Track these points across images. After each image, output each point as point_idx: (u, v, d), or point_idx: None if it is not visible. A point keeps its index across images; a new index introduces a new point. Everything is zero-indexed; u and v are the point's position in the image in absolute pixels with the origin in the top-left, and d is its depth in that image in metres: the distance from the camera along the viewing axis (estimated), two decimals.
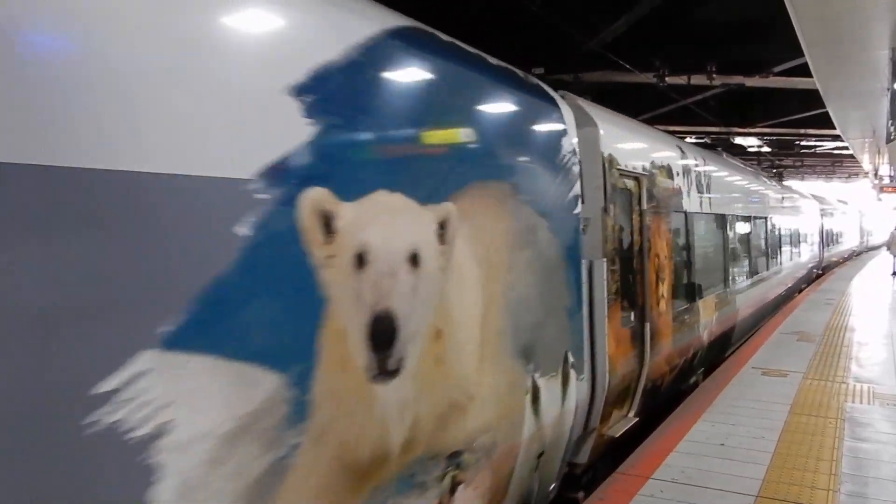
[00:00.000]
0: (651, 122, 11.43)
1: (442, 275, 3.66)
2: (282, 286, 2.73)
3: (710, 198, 9.93)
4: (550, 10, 8.35)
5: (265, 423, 2.63)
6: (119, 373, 2.14)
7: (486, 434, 4.11)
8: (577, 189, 5.42)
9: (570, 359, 5.25)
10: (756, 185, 14.37)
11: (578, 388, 5.39)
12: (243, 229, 2.55)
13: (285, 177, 2.74)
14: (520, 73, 5.14)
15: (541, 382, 4.75)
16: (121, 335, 2.16)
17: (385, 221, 3.27)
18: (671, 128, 13.90)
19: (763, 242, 14.44)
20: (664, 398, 7.97)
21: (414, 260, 3.40)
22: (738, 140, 19.41)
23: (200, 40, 2.50)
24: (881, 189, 21.99)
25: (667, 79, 11.63)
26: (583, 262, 5.54)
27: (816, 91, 11.04)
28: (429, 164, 3.72)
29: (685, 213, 8.62)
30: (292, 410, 2.74)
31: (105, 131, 2.14)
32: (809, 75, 9.93)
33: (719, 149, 15.10)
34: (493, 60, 4.74)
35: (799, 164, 29.60)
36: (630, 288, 6.73)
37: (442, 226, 3.68)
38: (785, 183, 23.16)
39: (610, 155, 6.16)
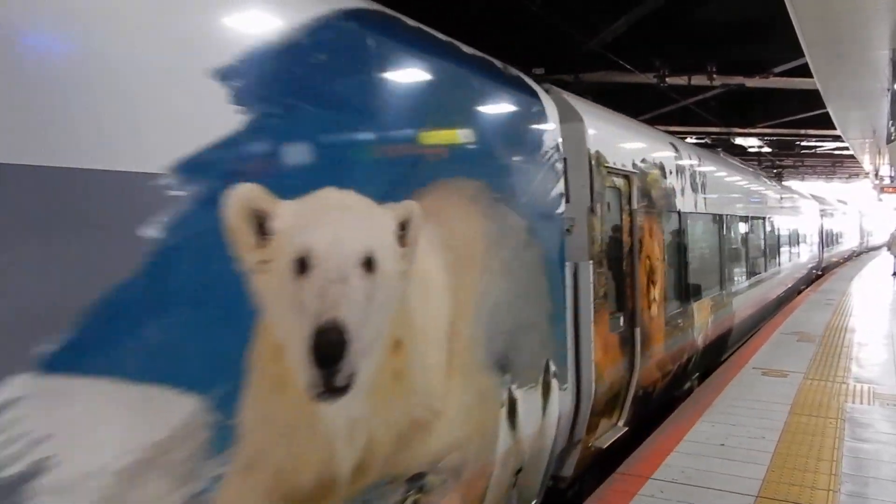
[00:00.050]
0: (651, 122, 11.42)
1: (402, 280, 3.35)
2: (199, 296, 2.40)
3: (705, 197, 9.69)
4: (550, 10, 8.34)
5: (178, 453, 2.31)
6: None
7: (454, 453, 3.81)
8: (560, 187, 5.17)
9: (552, 367, 4.98)
10: (754, 184, 14.21)
11: (561, 399, 5.13)
12: (150, 230, 2.24)
13: (206, 171, 2.42)
14: (498, 63, 4.85)
15: (518, 394, 4.48)
16: None
17: (333, 222, 2.96)
18: (671, 128, 13.89)
19: (761, 243, 14.26)
20: (657, 405, 7.74)
21: (368, 264, 3.09)
22: (739, 140, 19.39)
23: (99, 12, 2.17)
24: (881, 189, 21.97)
25: (667, 79, 11.62)
26: (567, 264, 5.28)
27: (817, 91, 11.03)
28: (387, 159, 3.40)
29: (679, 212, 8.35)
30: (213, 437, 2.42)
31: None
32: (810, 76, 9.92)
33: (719, 149, 15.08)
34: (467, 49, 4.45)
35: (799, 164, 29.60)
36: (619, 291, 6.47)
37: (402, 226, 3.37)
38: (784, 183, 23.12)
39: (597, 152, 5.90)
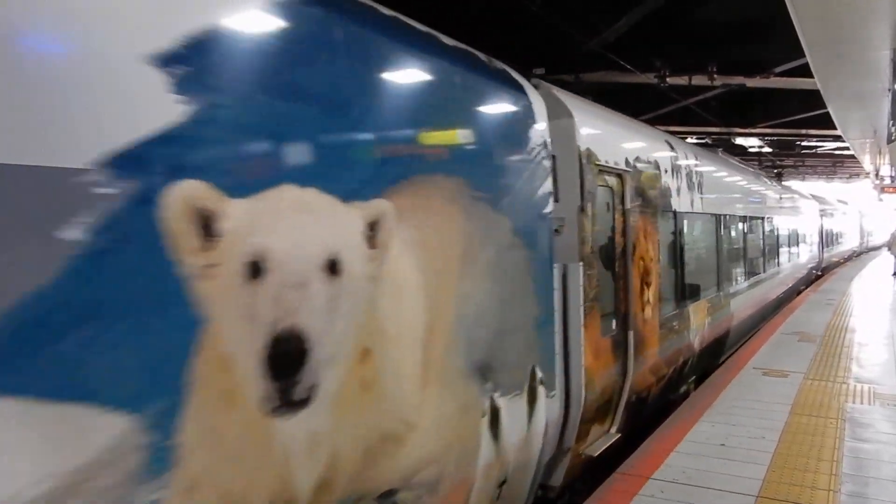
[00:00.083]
0: (652, 122, 11.43)
1: (372, 284, 3.15)
2: (129, 304, 2.19)
3: (702, 197, 9.50)
4: (551, 10, 8.35)
5: (104, 478, 2.10)
6: None
7: (429, 467, 3.60)
8: (548, 186, 4.96)
9: (539, 374, 4.79)
10: (753, 184, 14.05)
11: (549, 406, 4.94)
12: (72, 232, 2.04)
13: (140, 167, 2.20)
14: (481, 56, 4.63)
15: (501, 403, 4.28)
16: None
17: (292, 222, 2.74)
18: (672, 128, 13.89)
19: (760, 243, 14.10)
20: (651, 411, 7.55)
21: (332, 268, 2.89)
22: (739, 140, 19.40)
23: None
24: (882, 189, 21.96)
25: (668, 79, 11.63)
26: (555, 266, 5.07)
27: (817, 91, 11.03)
28: (355, 154, 3.16)
29: (674, 212, 8.16)
30: (148, 459, 2.22)
31: None
32: (810, 76, 9.92)
33: (719, 149, 15.07)
34: (448, 41, 4.24)
35: (800, 164, 29.61)
36: (611, 293, 6.27)
37: (372, 227, 3.16)
38: (784, 183, 23.09)
39: (588, 149, 5.67)
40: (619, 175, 6.47)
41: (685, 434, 6.33)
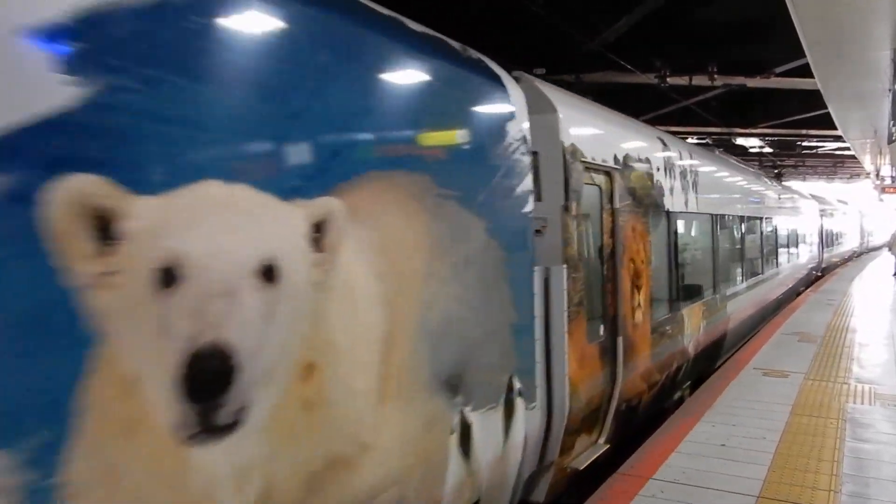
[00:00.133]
0: (652, 122, 11.44)
1: (318, 292, 2.83)
2: (2, 319, 1.89)
3: (697, 196, 9.12)
4: (551, 11, 8.35)
5: None
6: None
7: (388, 490, 3.29)
8: (527, 184, 4.65)
9: (517, 385, 4.48)
10: (751, 183, 13.76)
11: (529, 419, 4.63)
12: None
13: (14, 159, 1.91)
14: (454, 44, 4.30)
15: (473, 417, 3.95)
16: None
17: (215, 223, 2.41)
18: (672, 128, 13.90)
19: (758, 244, 13.81)
20: (643, 419, 7.22)
21: (267, 274, 2.56)
22: (740, 141, 19.42)
23: None
24: (883, 190, 21.96)
25: (668, 79, 11.65)
26: (536, 269, 4.78)
27: (818, 91, 11.05)
28: (297, 146, 2.82)
29: (667, 212, 7.79)
30: (24, 501, 1.92)
31: None
32: (811, 76, 9.94)
33: (719, 150, 15.07)
34: (415, 26, 3.92)
35: (800, 164, 29.63)
36: (599, 297, 5.94)
37: (318, 228, 2.84)
38: (784, 182, 23.05)
39: (573, 145, 5.35)
40: (608, 173, 6.16)
41: (685, 434, 6.33)
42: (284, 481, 2.71)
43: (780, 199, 17.17)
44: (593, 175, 5.83)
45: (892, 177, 21.74)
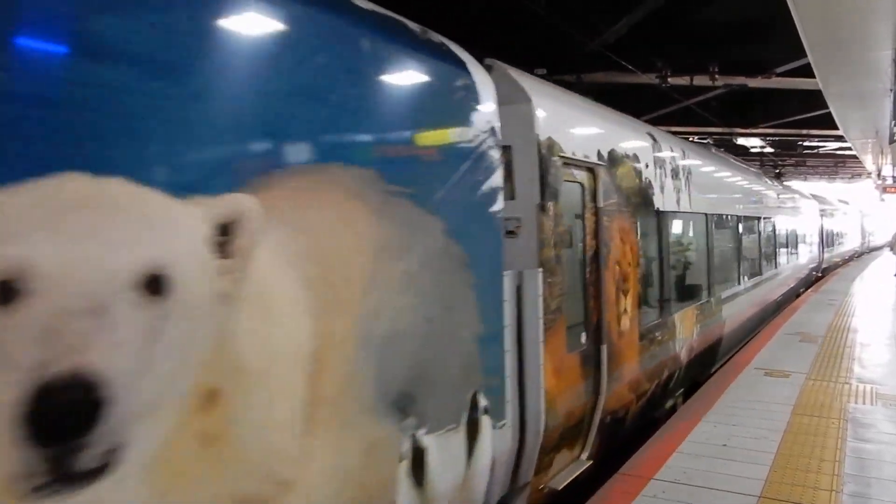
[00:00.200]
0: (653, 122, 11.41)
1: (225, 305, 2.42)
2: None
3: (690, 195, 8.70)
4: (552, 11, 8.35)
5: None
6: None
7: None
8: (496, 180, 4.25)
9: (482, 402, 4.06)
10: (749, 182, 13.46)
11: (497, 438, 4.21)
12: None
13: None
14: (413, 26, 3.88)
15: (427, 441, 3.54)
16: None
17: (77, 225, 2.01)
18: (673, 128, 13.89)
19: (756, 245, 13.49)
20: (631, 430, 6.85)
21: (152, 286, 2.15)
22: (741, 141, 19.41)
23: None
24: (884, 190, 21.96)
25: (669, 79, 11.65)
26: (506, 274, 4.37)
27: (818, 92, 11.05)
28: (196, 134, 2.40)
29: (657, 211, 7.41)
30: None
31: None
32: (812, 76, 9.94)
33: (721, 150, 15.05)
34: (363, 4, 3.51)
35: (801, 164, 29.62)
36: (580, 303, 5.55)
37: (224, 230, 2.42)
38: (784, 182, 23.01)
39: (550, 139, 4.96)
40: (591, 169, 5.75)
41: (687, 434, 6.32)
42: None
43: (779, 198, 16.97)
44: (574, 171, 5.44)
45: (893, 177, 21.74)
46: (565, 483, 5.22)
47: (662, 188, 7.60)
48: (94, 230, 2.06)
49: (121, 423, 2.05)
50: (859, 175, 33.42)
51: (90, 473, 2.00)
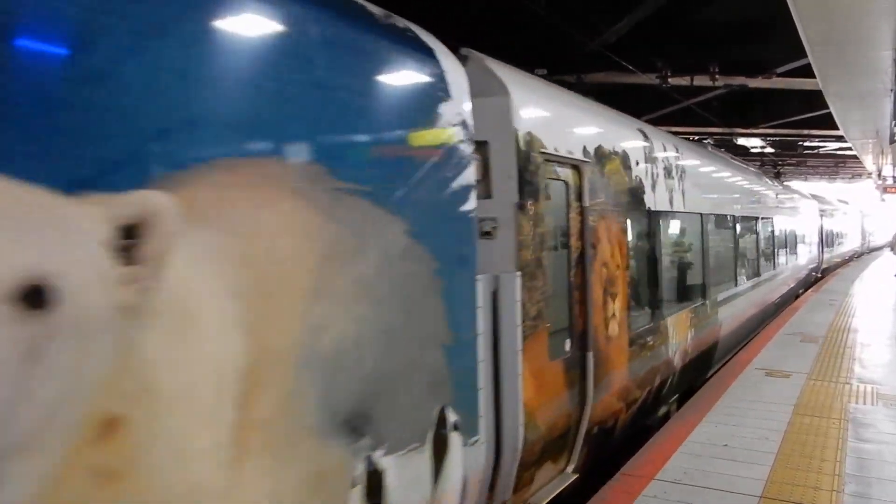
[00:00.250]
0: (654, 123, 11.43)
1: (130, 319, 2.12)
2: None
3: (684, 194, 8.36)
4: (552, 11, 8.35)
5: None
6: None
7: None
8: (467, 177, 3.93)
9: (451, 417, 3.73)
10: (746, 181, 13.22)
11: (469, 456, 3.89)
12: None
13: None
14: (373, 8, 3.57)
15: (386, 463, 3.22)
16: None
17: None
18: (673, 129, 13.89)
19: (754, 245, 13.26)
20: (621, 440, 6.56)
21: (33, 297, 1.87)
22: (741, 141, 19.42)
23: None
24: (885, 190, 21.97)
25: (669, 80, 11.65)
26: (480, 278, 4.05)
27: (819, 92, 11.05)
28: (94, 122, 2.08)
29: (648, 211, 7.12)
30: None
31: None
32: (812, 76, 9.94)
33: (722, 150, 15.05)
34: None
35: (802, 164, 29.64)
36: (564, 308, 5.28)
37: (129, 233, 2.12)
38: (784, 182, 22.97)
39: (530, 134, 4.67)
40: (576, 166, 5.46)
41: (688, 435, 6.32)
42: None
43: (777, 198, 16.81)
44: (557, 169, 5.16)
45: (893, 177, 21.74)
46: (549, 498, 4.97)
47: (654, 187, 7.32)
48: None
49: None
50: (860, 175, 33.43)
51: None
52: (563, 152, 5.17)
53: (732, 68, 11.91)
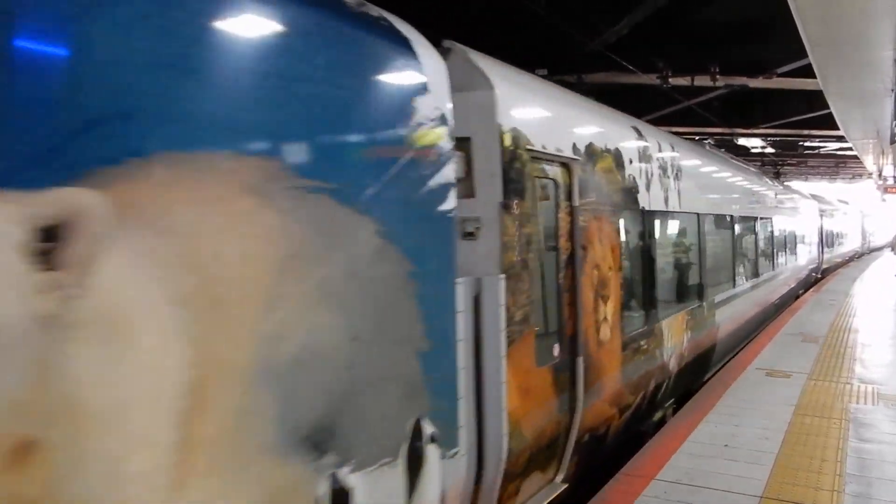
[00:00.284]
0: (654, 123, 11.43)
1: (49, 331, 1.93)
2: None
3: (680, 193, 8.15)
4: (552, 11, 8.36)
5: None
6: None
7: None
8: (446, 175, 3.71)
9: (428, 429, 3.52)
10: (745, 181, 12.99)
11: (448, 469, 3.67)
12: None
13: None
14: None
15: (354, 480, 3.01)
16: None
17: None
18: (674, 129, 13.89)
19: (752, 246, 13.07)
20: (613, 447, 6.34)
21: None
22: (742, 141, 19.43)
23: None
24: (885, 190, 21.98)
25: (670, 80, 11.66)
26: (460, 281, 3.83)
27: (820, 92, 11.06)
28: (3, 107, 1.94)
29: (642, 211, 6.92)
30: None
31: None
32: (813, 76, 9.94)
33: (723, 150, 15.05)
34: None
35: (802, 165, 29.65)
36: (552, 312, 5.08)
37: (49, 235, 1.94)
38: (783, 181, 22.94)
39: (515, 130, 4.48)
40: (565, 164, 5.24)
41: (689, 434, 6.32)
42: None
43: (776, 198, 16.70)
44: (545, 167, 4.97)
45: (894, 177, 21.74)
46: None
47: (649, 186, 7.09)
48: None
49: None
50: (860, 175, 33.45)
51: None
52: (551, 150, 4.99)
53: (733, 68, 11.91)
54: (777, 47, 10.62)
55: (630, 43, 10.06)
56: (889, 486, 5.09)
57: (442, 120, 3.73)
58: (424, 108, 3.59)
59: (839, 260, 32.78)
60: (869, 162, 21.76)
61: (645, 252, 7.06)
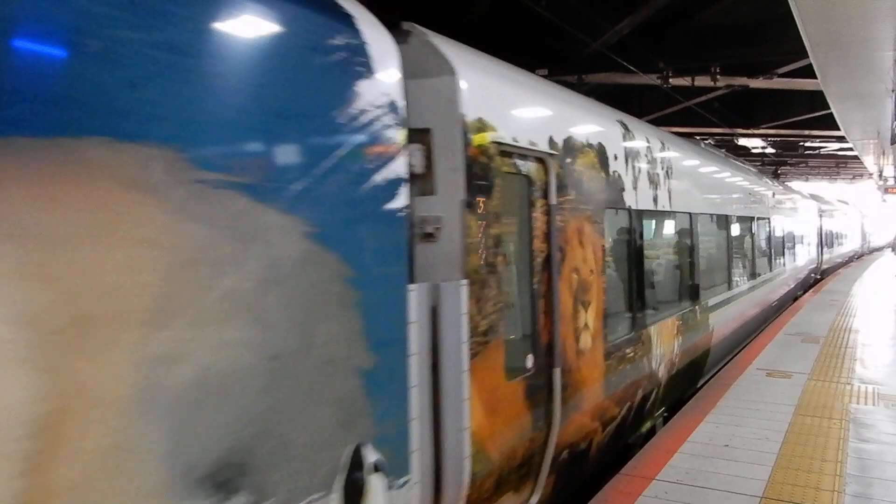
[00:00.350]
0: (655, 123, 11.44)
1: None
2: None
3: (671, 192, 7.69)
4: (554, 12, 8.37)
5: None
6: None
7: None
8: (395, 169, 3.35)
9: (370, 457, 3.14)
10: (742, 179, 12.56)
11: (397, 501, 3.31)
12: None
13: None
14: None
15: None
16: None
17: None
18: (675, 129, 13.90)
19: (750, 246, 12.72)
20: (597, 463, 5.92)
21: None
22: (743, 141, 19.45)
23: None
24: (886, 190, 21.99)
25: (671, 80, 11.67)
26: (412, 288, 3.44)
27: (820, 92, 11.07)
28: None
29: (629, 210, 6.46)
30: None
31: None
32: (813, 77, 9.95)
33: (723, 150, 15.04)
34: None
35: (803, 165, 29.65)
36: (525, 320, 4.68)
37: None
38: (783, 181, 22.88)
39: (480, 121, 4.03)
40: (540, 159, 4.80)
41: (689, 435, 6.33)
42: None
43: (775, 197, 16.44)
44: (518, 162, 4.53)
45: (894, 177, 21.75)
46: None
47: (635, 184, 6.59)
48: None
49: None
50: (861, 176, 33.46)
51: None
52: (523, 143, 4.54)
53: (733, 69, 11.93)
54: (778, 48, 10.63)
55: (631, 43, 10.08)
56: (889, 487, 5.10)
57: (391, 108, 3.35)
58: (368, 92, 3.20)
59: (839, 260, 32.75)
60: (869, 162, 21.78)
61: (632, 254, 6.63)
